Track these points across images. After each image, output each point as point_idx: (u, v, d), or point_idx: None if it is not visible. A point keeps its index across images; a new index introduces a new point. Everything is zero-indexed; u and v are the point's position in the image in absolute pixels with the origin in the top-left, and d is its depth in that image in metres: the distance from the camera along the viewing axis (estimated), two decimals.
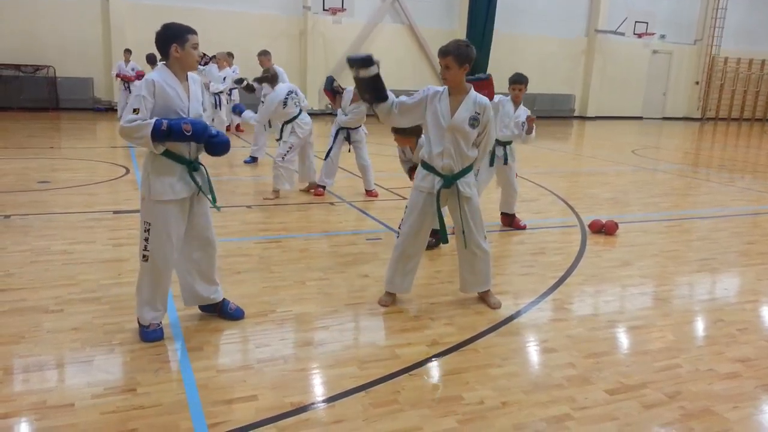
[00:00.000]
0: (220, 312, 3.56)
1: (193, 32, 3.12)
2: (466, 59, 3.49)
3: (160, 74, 3.06)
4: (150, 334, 3.24)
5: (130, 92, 14.30)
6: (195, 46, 3.10)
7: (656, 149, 14.12)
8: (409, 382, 2.93)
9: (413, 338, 3.44)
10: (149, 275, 3.20)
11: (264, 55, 9.46)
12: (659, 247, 5.54)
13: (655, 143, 15.66)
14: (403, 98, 3.60)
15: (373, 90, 3.47)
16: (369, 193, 7.25)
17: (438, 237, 4.76)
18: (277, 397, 2.74)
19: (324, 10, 16.69)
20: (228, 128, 12.01)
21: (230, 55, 11.95)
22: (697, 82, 23.99)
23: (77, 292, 3.86)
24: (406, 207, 3.81)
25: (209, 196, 3.31)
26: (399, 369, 3.04)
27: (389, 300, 3.90)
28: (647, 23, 21.01)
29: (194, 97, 3.17)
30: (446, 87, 3.60)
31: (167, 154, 3.09)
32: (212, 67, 11.55)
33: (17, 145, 10.07)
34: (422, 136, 3.89)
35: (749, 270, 4.98)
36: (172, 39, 3.04)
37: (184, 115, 3.08)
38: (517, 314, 3.83)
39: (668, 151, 14.03)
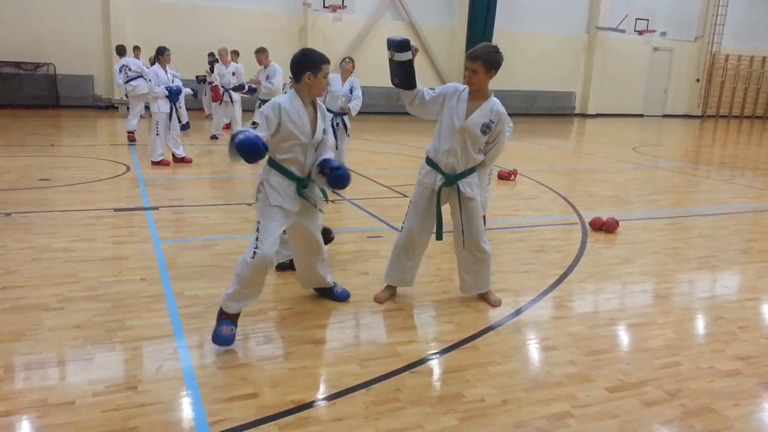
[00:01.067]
0: (330, 295, 3.87)
1: (327, 62, 3.31)
2: (494, 65, 3.47)
3: (289, 100, 3.24)
4: (224, 338, 3.18)
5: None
6: (326, 75, 3.30)
7: (657, 147, 14.11)
8: (409, 379, 2.94)
9: (414, 336, 3.44)
10: (254, 270, 3.22)
11: (261, 52, 9.50)
12: (660, 245, 5.54)
13: (655, 140, 15.65)
14: (426, 91, 3.60)
15: (403, 76, 3.48)
16: None
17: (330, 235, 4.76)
18: (277, 395, 2.74)
19: (324, 7, 16.67)
20: (228, 126, 12.00)
21: (236, 53, 11.95)
22: (698, 80, 23.97)
23: (78, 290, 3.86)
24: (410, 202, 3.83)
25: (318, 207, 3.50)
26: (400, 367, 3.04)
27: (385, 296, 3.90)
28: (648, 20, 20.96)
29: (319, 122, 3.35)
30: (467, 88, 3.56)
31: (281, 170, 3.29)
32: (218, 65, 11.74)
33: (18, 143, 10.07)
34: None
35: (750, 267, 4.98)
36: (308, 67, 3.23)
37: (305, 139, 3.27)
38: (518, 312, 3.83)
39: (669, 148, 14.02)
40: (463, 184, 3.66)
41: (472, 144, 3.59)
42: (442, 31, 19.07)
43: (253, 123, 3.14)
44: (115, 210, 5.95)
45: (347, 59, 7.52)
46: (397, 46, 3.40)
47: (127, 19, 15.63)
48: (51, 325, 3.35)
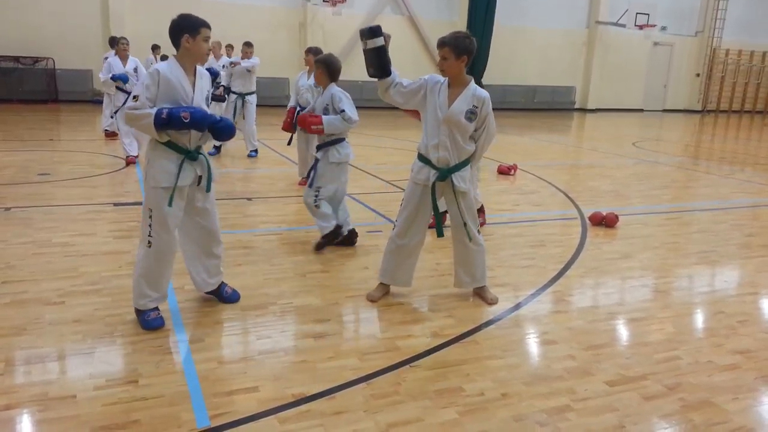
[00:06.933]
0: (218, 296, 3.68)
1: (207, 26, 3.19)
2: (464, 51, 3.45)
3: (168, 65, 3.15)
4: (151, 322, 3.28)
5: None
6: (206, 39, 3.17)
7: (657, 141, 14.11)
8: (409, 373, 2.94)
9: (414, 330, 3.45)
10: (152, 260, 3.28)
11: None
12: (659, 240, 5.55)
13: (655, 135, 15.64)
14: (404, 81, 3.60)
15: (377, 63, 3.48)
16: None
17: None
18: (278, 389, 2.75)
19: (324, 1, 16.66)
20: None
21: (230, 47, 11.84)
22: (698, 74, 23.94)
23: (78, 284, 3.87)
24: (402, 199, 3.81)
25: (205, 185, 3.37)
26: (400, 361, 3.05)
27: (378, 295, 3.85)
28: (648, 15, 20.96)
29: (199, 90, 3.24)
30: (446, 78, 3.57)
31: (168, 143, 3.17)
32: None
33: (17, 138, 10.06)
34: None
35: (749, 262, 4.98)
36: (185, 30, 3.12)
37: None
38: (517, 306, 3.84)
39: (669, 143, 14.01)
40: (457, 178, 3.63)
41: (461, 134, 3.56)
42: (442, 25, 18.91)
43: (134, 97, 3.02)
44: (115, 204, 5.94)
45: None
46: (369, 33, 3.42)
47: (126, 14, 15.59)
48: (52, 319, 3.36)
